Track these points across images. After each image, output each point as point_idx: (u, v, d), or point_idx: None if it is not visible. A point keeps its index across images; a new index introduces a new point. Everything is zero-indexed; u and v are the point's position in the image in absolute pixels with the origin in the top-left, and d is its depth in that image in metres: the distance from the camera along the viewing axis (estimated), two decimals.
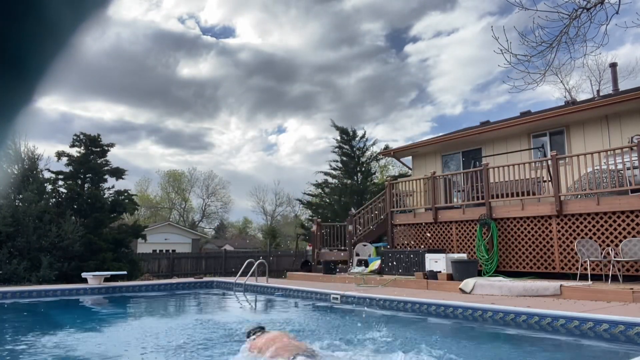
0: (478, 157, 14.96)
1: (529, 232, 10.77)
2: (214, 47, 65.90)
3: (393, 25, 60.75)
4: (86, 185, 17.16)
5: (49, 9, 0.35)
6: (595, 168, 9.76)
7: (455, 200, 12.99)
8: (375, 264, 13.06)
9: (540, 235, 10.55)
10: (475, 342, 5.60)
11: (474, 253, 11.59)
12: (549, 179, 11.01)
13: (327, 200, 26.32)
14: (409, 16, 57.69)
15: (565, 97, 28.01)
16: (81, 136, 17.38)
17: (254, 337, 4.75)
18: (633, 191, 9.43)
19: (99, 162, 17.39)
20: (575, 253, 9.65)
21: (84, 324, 7.30)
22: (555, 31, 6.07)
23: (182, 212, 54.61)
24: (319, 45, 62.77)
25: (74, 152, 17.11)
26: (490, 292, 8.90)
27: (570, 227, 10.05)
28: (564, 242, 10.11)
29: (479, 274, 10.76)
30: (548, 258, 10.35)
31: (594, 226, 9.68)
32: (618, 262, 8.95)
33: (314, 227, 15.47)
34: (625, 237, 9.12)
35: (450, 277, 10.35)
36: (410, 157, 17.93)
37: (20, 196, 14.80)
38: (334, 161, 27.06)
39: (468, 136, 15.22)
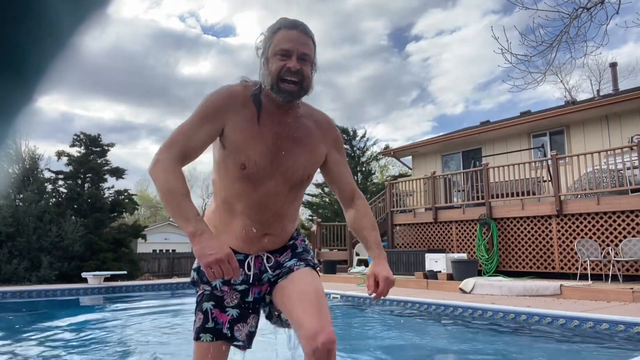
0: (478, 156, 14.96)
1: (528, 232, 10.77)
2: (214, 46, 66.02)
3: (395, 24, 60.85)
4: (86, 185, 17.15)
5: (49, 9, 0.35)
6: (595, 168, 9.76)
7: (455, 200, 12.99)
8: None
9: (540, 235, 10.55)
10: (474, 342, 5.61)
11: (474, 253, 11.59)
12: (549, 178, 11.01)
13: (327, 200, 26.32)
14: (411, 15, 57.79)
15: (565, 96, 28.01)
16: (81, 136, 17.37)
17: None
18: (633, 191, 9.43)
19: (99, 162, 17.37)
20: (575, 253, 9.65)
21: (83, 323, 7.30)
22: (556, 30, 6.07)
23: None
24: (320, 44, 62.51)
25: (74, 151, 17.09)
26: (490, 291, 8.90)
27: (570, 227, 10.05)
28: (564, 242, 10.11)
29: (479, 273, 10.76)
30: (548, 258, 10.35)
31: (594, 226, 9.68)
32: (618, 262, 8.96)
33: (314, 227, 15.47)
34: (625, 237, 9.13)
35: (450, 277, 10.36)
36: (410, 157, 17.93)
37: (21, 196, 14.80)
38: None
39: (468, 136, 15.23)
